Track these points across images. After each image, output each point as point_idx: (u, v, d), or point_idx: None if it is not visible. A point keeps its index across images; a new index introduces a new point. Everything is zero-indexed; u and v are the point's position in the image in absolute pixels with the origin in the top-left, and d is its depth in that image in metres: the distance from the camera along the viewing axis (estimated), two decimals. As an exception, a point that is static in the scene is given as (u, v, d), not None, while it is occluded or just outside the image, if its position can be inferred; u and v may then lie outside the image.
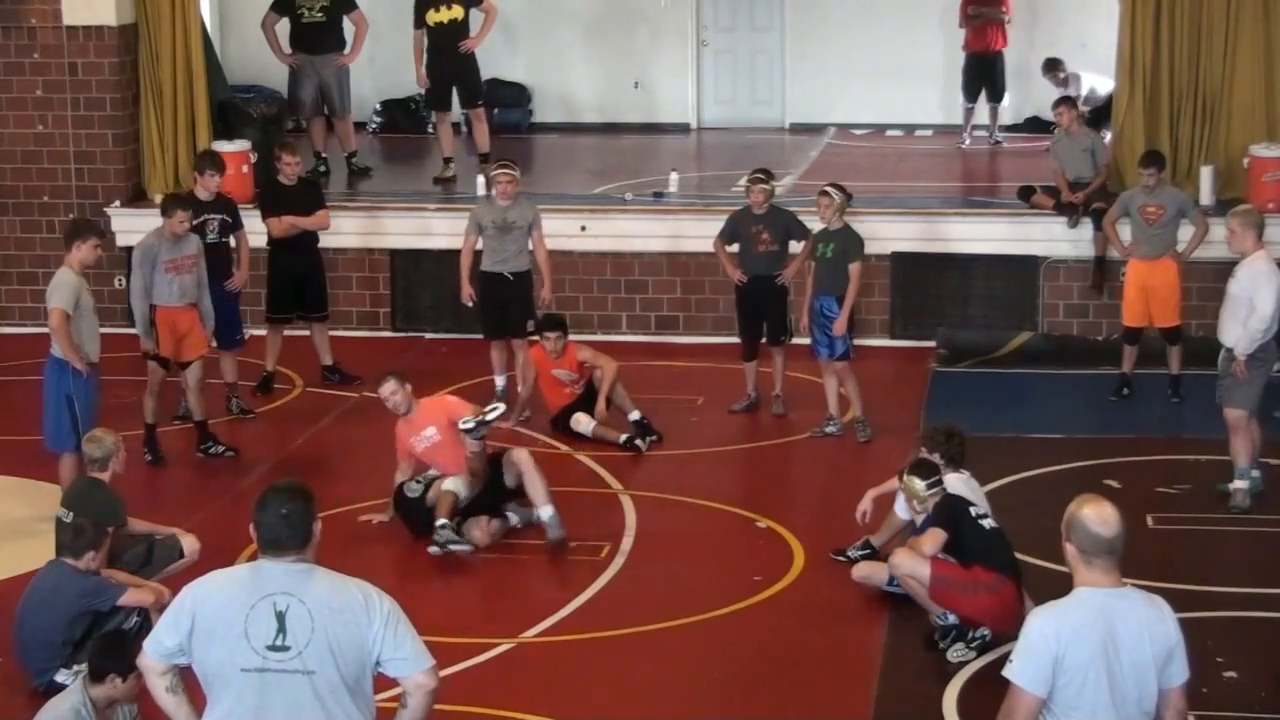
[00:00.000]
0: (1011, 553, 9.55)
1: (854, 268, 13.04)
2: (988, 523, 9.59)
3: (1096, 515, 5.76)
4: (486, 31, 17.40)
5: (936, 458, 10.03)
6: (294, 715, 5.64)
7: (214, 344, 13.36)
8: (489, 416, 11.28)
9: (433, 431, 11.42)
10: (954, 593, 9.40)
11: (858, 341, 13.68)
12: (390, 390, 11.50)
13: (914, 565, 9.49)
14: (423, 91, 18.07)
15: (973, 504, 9.74)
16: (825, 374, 13.25)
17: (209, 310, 12.99)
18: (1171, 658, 5.81)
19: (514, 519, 11.26)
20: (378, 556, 11.00)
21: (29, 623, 9.15)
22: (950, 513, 9.59)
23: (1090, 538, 5.75)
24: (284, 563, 5.69)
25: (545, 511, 11.04)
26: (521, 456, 11.21)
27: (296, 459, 12.88)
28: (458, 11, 17.15)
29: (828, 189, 13.17)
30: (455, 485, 11.13)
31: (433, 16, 17.09)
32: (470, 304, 13.86)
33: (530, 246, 13.78)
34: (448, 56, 17.19)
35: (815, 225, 13.37)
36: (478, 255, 13.82)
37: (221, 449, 12.92)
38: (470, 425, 11.20)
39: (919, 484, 9.72)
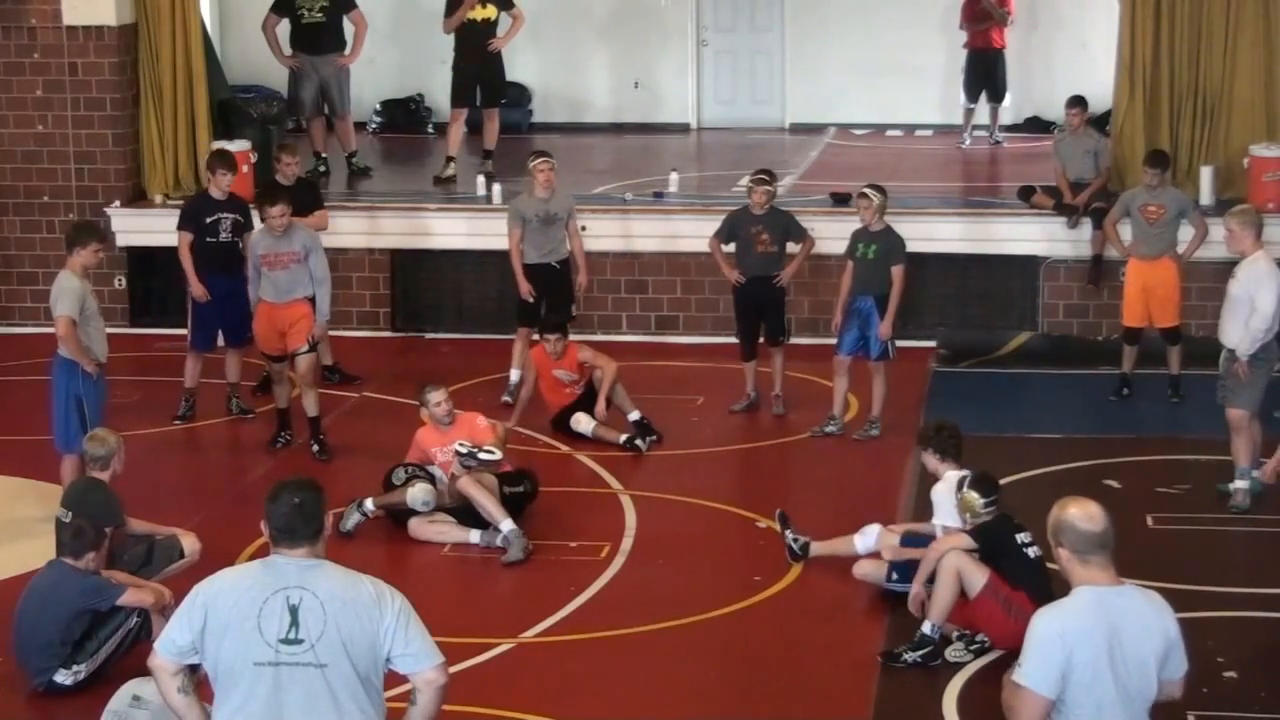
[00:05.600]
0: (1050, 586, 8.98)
1: (896, 270, 12.97)
2: (1033, 551, 9.30)
3: (1083, 514, 5.80)
4: (513, 34, 17.56)
5: (931, 453, 10.00)
6: (307, 708, 5.68)
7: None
8: (481, 456, 11.31)
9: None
10: (997, 607, 9.17)
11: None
12: (441, 398, 11.59)
13: (971, 568, 9.23)
14: (452, 77, 17.83)
15: (1021, 529, 9.44)
16: (838, 372, 13.16)
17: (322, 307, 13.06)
18: (1170, 653, 5.86)
19: (475, 538, 11.16)
20: (377, 556, 10.99)
21: (28, 623, 9.15)
22: (996, 532, 9.36)
23: (1081, 536, 5.77)
24: (296, 557, 5.75)
25: (505, 525, 11.01)
26: (466, 484, 11.16)
27: (296, 459, 12.86)
28: (492, 11, 17.28)
29: (867, 190, 13.12)
30: (420, 494, 11.17)
31: (470, 13, 17.15)
32: (531, 299, 13.82)
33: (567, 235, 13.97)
34: (478, 55, 17.27)
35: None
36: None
37: (317, 448, 12.92)
38: (464, 452, 11.27)
39: (977, 499, 9.46)
